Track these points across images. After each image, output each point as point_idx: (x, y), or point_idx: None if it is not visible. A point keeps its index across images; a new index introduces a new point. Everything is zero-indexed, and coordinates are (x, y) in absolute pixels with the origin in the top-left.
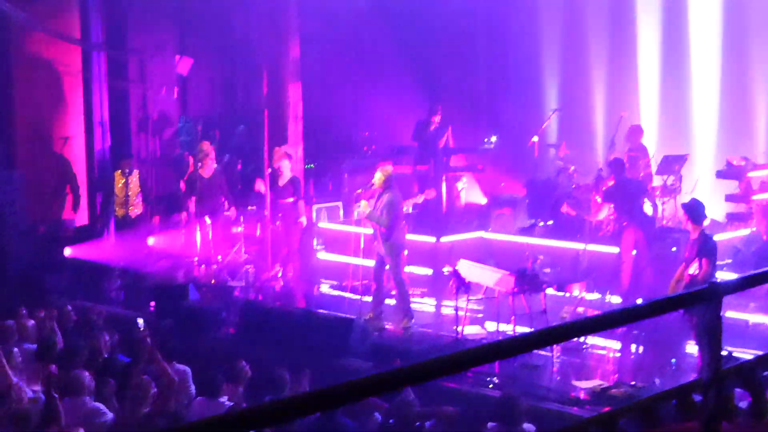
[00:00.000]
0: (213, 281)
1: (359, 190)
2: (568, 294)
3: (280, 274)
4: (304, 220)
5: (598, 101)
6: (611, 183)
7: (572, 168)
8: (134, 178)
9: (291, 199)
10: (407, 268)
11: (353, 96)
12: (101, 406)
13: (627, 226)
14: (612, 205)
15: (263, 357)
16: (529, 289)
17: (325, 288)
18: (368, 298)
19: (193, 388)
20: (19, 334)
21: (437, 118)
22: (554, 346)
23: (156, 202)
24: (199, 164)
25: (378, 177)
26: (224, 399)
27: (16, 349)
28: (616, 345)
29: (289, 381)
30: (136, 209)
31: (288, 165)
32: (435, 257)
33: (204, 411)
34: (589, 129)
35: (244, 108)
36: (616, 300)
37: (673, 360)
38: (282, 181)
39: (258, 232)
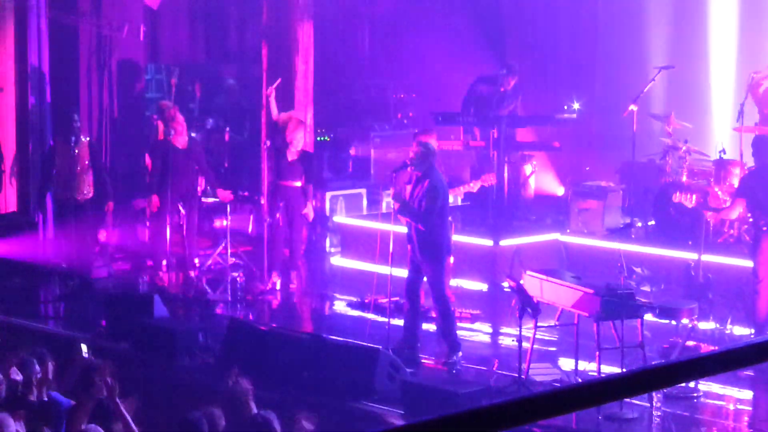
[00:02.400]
0: (187, 292)
1: (391, 173)
2: (674, 322)
3: (278, 286)
4: (310, 211)
5: (720, 57)
6: (743, 170)
7: (684, 147)
8: (83, 149)
9: (298, 183)
10: (453, 282)
11: (385, 43)
12: None
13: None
14: (745, 202)
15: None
16: (620, 314)
17: (340, 306)
18: (399, 321)
19: None
20: None
21: (512, 81)
22: (654, 393)
23: (112, 182)
24: (172, 131)
25: (416, 155)
26: None
27: None
28: (741, 394)
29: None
30: (84, 191)
31: (302, 138)
32: (492, 267)
33: None
34: (708, 94)
35: (236, 55)
36: (740, 332)
37: None
38: (291, 157)
39: (250, 228)
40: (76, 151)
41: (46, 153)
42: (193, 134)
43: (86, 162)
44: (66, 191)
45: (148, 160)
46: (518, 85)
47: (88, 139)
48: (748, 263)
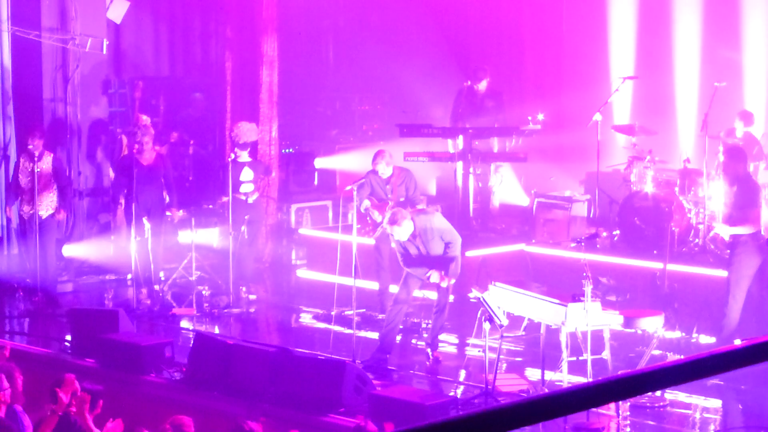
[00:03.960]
0: (153, 307)
1: (349, 187)
2: (639, 331)
3: (244, 299)
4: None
5: (684, 67)
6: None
7: (648, 157)
8: (45, 164)
9: (255, 195)
10: (419, 293)
11: (349, 55)
12: None
13: (746, 242)
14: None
15: (220, 411)
16: (586, 324)
17: (306, 318)
18: (367, 333)
19: None
20: None
21: (482, 85)
22: (620, 402)
23: (76, 197)
24: (136, 146)
25: (398, 226)
26: None
27: None
28: (707, 402)
29: None
30: (48, 207)
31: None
32: (459, 278)
33: None
34: (672, 104)
35: (201, 69)
36: (706, 340)
37: None
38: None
39: (215, 241)
40: (40, 167)
41: (9, 169)
42: (157, 148)
43: (50, 178)
44: (30, 207)
45: (112, 174)
46: (494, 86)
47: (51, 154)
48: (713, 272)
